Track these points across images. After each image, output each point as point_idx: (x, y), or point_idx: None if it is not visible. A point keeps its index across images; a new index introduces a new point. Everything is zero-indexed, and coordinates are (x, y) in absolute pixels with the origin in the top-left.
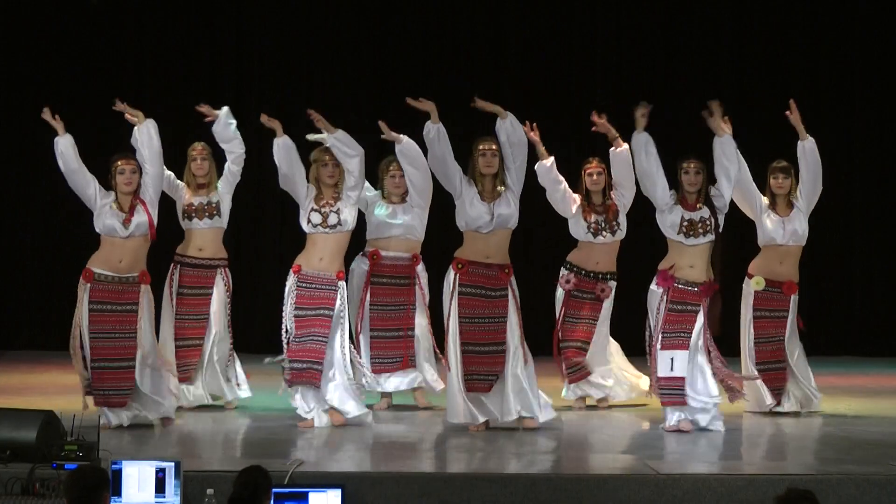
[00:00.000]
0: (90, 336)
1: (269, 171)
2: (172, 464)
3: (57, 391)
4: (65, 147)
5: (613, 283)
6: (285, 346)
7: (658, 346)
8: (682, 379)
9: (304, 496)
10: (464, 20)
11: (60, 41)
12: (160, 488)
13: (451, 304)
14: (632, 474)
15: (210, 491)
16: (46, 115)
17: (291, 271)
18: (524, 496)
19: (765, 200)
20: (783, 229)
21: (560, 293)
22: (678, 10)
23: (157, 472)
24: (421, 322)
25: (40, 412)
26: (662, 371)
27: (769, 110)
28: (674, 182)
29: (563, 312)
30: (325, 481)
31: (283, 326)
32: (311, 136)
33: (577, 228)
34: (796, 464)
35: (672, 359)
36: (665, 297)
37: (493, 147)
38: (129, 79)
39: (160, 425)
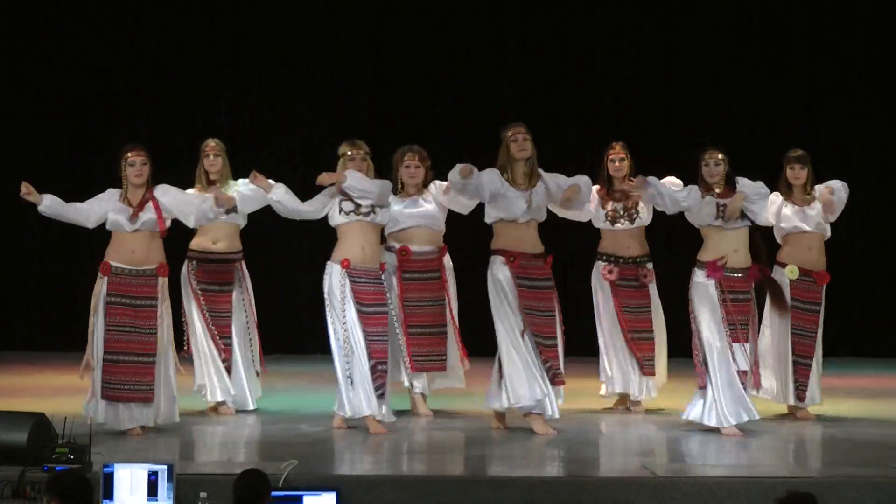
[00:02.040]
0: (105, 329)
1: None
2: (165, 467)
3: (49, 393)
4: (52, 210)
5: (651, 266)
6: (341, 347)
7: (729, 340)
8: (745, 374)
9: (299, 499)
10: (464, 20)
11: (60, 41)
12: (153, 492)
13: (505, 296)
14: (631, 477)
15: (203, 494)
16: (26, 192)
17: (340, 265)
18: (522, 499)
19: (778, 196)
20: (805, 217)
21: (603, 287)
22: (678, 10)
23: (149, 476)
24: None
25: (32, 414)
26: (743, 364)
27: (770, 110)
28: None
29: (616, 304)
30: (319, 484)
31: (332, 327)
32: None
33: (596, 217)
34: (797, 466)
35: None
36: (720, 288)
37: (524, 131)
38: (130, 78)
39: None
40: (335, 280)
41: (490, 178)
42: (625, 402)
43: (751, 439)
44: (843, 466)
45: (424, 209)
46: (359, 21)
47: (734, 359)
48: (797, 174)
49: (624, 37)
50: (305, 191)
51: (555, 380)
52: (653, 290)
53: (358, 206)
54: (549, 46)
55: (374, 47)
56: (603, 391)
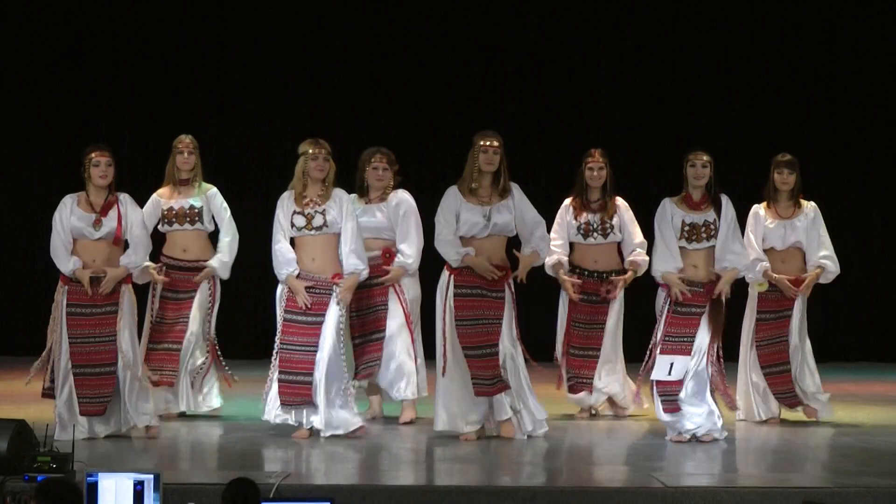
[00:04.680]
0: (69, 341)
1: (253, 174)
2: (151, 476)
3: (29, 399)
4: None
5: (614, 280)
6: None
7: (658, 351)
8: (679, 383)
9: None
10: (463, 20)
11: (57, 43)
12: (138, 502)
13: (444, 306)
14: (638, 487)
15: None
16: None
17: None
18: None
19: (760, 210)
20: (783, 235)
21: (564, 297)
22: (679, 11)
23: (135, 485)
24: (394, 323)
25: (11, 421)
26: (659, 375)
27: (776, 106)
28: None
29: (568, 317)
30: (313, 495)
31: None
32: None
33: (569, 229)
34: (812, 476)
35: (672, 363)
36: (669, 300)
37: (496, 144)
38: (122, 79)
39: (143, 434)
40: (279, 290)
41: (446, 219)
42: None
43: (765, 448)
44: (859, 476)
45: (375, 221)
46: (350, 22)
47: (669, 370)
48: (785, 179)
49: (625, 36)
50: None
51: (480, 390)
52: (615, 307)
53: (309, 220)
54: (549, 45)
55: (367, 49)
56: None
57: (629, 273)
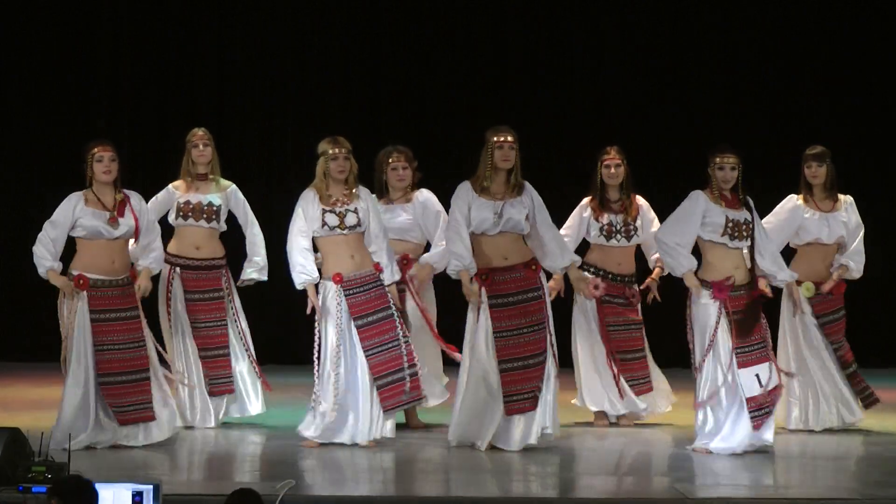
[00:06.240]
0: (95, 349)
1: (253, 174)
2: (151, 486)
3: (23, 406)
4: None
5: (636, 288)
6: (320, 367)
7: (735, 366)
8: (779, 387)
9: None
10: (465, 18)
11: (57, 42)
12: None
13: (478, 318)
14: (659, 498)
15: None
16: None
17: (332, 282)
18: None
19: (798, 201)
20: (828, 228)
21: (588, 303)
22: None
23: (133, 496)
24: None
25: (5, 430)
26: (751, 391)
27: (789, 103)
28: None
29: (601, 323)
30: None
31: (319, 345)
32: None
33: (590, 230)
34: (841, 487)
35: (757, 374)
36: (723, 310)
37: (511, 139)
38: (121, 78)
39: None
40: (328, 300)
41: (458, 219)
42: (602, 418)
43: (791, 458)
44: (889, 487)
45: (399, 221)
46: (351, 22)
47: (744, 383)
48: (815, 172)
49: (628, 34)
50: (293, 189)
51: (512, 407)
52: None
53: (342, 219)
54: (550, 44)
55: (368, 48)
56: (577, 402)
57: (656, 270)
